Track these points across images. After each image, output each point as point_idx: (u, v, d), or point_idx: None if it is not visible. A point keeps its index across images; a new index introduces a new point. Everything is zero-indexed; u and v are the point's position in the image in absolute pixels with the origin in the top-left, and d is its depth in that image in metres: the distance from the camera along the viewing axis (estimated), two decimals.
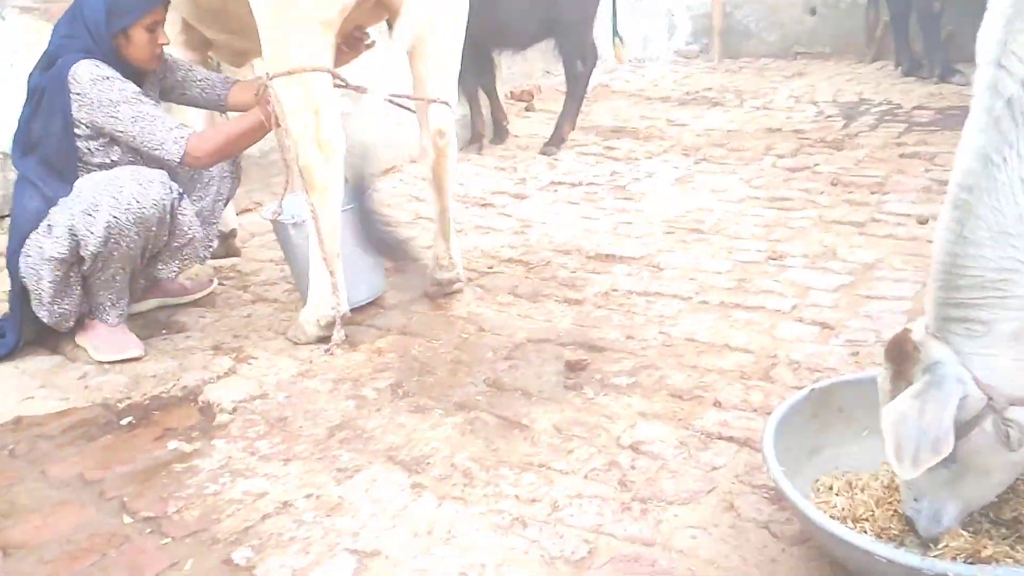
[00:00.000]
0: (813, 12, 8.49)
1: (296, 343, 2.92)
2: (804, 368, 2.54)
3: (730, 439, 2.20)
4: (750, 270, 3.32)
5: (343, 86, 2.84)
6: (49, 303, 2.78)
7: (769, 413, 1.98)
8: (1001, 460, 1.59)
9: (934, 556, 1.62)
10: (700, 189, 4.44)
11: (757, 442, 2.13)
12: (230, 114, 3.31)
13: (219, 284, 3.49)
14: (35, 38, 4.31)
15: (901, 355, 1.65)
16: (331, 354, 2.82)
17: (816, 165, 4.70)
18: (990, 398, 1.54)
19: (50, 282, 2.74)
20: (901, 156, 4.74)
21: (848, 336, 2.73)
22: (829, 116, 5.89)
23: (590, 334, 2.87)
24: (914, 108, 5.92)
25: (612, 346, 2.77)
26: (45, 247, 2.70)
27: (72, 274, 2.77)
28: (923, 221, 3.67)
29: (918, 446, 1.49)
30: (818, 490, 1.86)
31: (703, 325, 2.88)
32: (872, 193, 4.13)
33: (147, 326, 3.13)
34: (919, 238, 3.51)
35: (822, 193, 4.21)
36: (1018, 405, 1.55)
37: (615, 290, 3.22)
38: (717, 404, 2.38)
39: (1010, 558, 1.59)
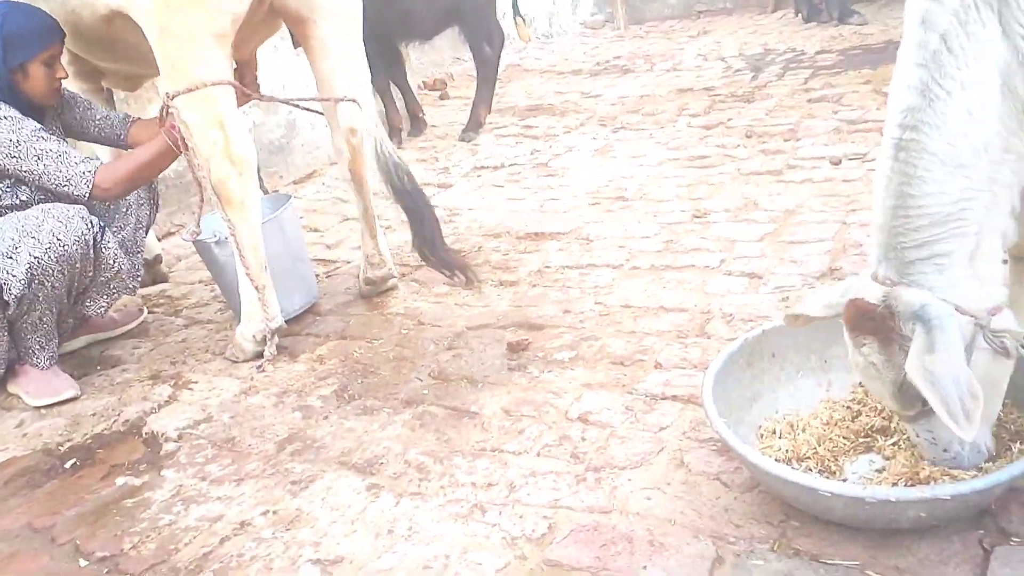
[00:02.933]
0: None
1: (235, 362, 2.89)
2: (737, 319, 2.60)
3: (674, 398, 2.25)
4: (676, 231, 3.37)
5: (254, 97, 2.81)
6: None
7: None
8: (1002, 369, 1.61)
9: (875, 484, 1.68)
10: (620, 157, 4.49)
11: (700, 398, 2.18)
12: None
13: (149, 312, 3.43)
14: None
15: (876, 322, 1.58)
16: (262, 370, 2.79)
17: (729, 120, 4.78)
18: (975, 318, 1.54)
19: None
20: (809, 101, 4.84)
21: (776, 283, 2.80)
22: (737, 70, 5.99)
23: (528, 313, 2.89)
24: (817, 53, 6.05)
25: (551, 323, 2.80)
26: None
27: None
28: (836, 162, 3.77)
29: (962, 400, 1.45)
30: (762, 436, 1.92)
31: (637, 290, 2.92)
32: (785, 141, 4.23)
33: (81, 364, 3.06)
34: (834, 179, 3.61)
35: (738, 147, 4.29)
36: (995, 314, 1.56)
37: (548, 267, 3.24)
38: (658, 366, 2.42)
39: (947, 475, 1.65)
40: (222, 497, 2.15)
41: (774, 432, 1.91)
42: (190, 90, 2.58)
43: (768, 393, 2.01)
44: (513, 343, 2.68)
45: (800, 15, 7.27)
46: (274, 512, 2.06)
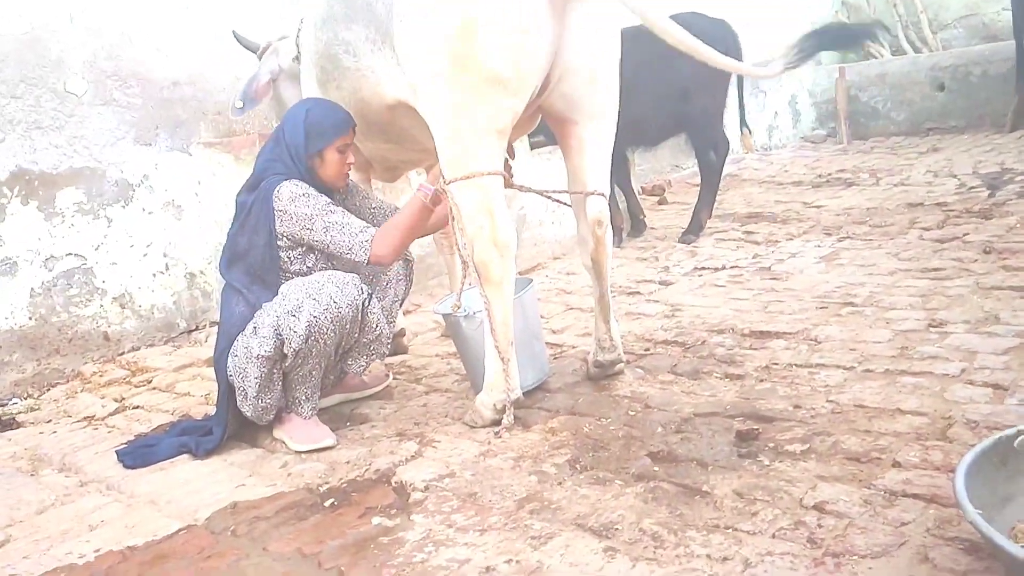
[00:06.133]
0: (942, 88, 8.45)
1: (473, 427, 3.11)
2: (983, 427, 2.54)
3: (915, 496, 2.23)
4: (911, 338, 3.33)
5: (511, 187, 3.10)
6: (254, 398, 3.08)
7: (952, 471, 2.01)
8: None
9: None
10: (847, 265, 4.48)
11: (944, 498, 2.16)
12: None
13: (393, 379, 3.75)
14: (217, 168, 4.85)
15: None
16: (499, 437, 2.99)
17: (965, 235, 4.67)
18: None
19: (255, 379, 3.04)
20: None
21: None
22: (972, 188, 5.83)
23: (757, 405, 2.94)
24: None
25: (780, 416, 2.84)
26: (252, 347, 3.01)
27: (275, 371, 3.06)
28: None
29: None
30: (1016, 536, 1.87)
31: (870, 392, 2.91)
32: None
33: (334, 419, 3.39)
34: None
35: (975, 261, 4.18)
36: None
37: (775, 363, 3.29)
38: (896, 464, 2.41)
39: None
40: (468, 543, 2.32)
41: None
42: (467, 178, 2.89)
43: (1022, 496, 1.97)
44: (743, 431, 2.73)
45: None
46: (516, 561, 2.20)
